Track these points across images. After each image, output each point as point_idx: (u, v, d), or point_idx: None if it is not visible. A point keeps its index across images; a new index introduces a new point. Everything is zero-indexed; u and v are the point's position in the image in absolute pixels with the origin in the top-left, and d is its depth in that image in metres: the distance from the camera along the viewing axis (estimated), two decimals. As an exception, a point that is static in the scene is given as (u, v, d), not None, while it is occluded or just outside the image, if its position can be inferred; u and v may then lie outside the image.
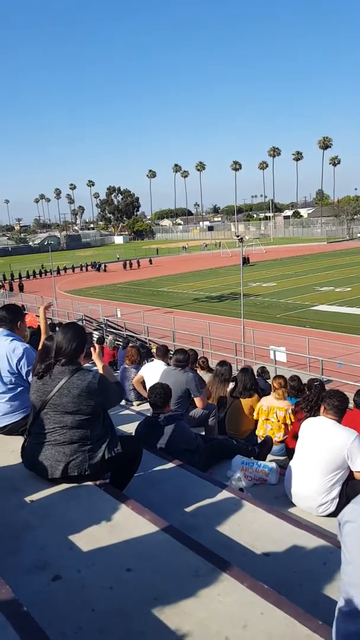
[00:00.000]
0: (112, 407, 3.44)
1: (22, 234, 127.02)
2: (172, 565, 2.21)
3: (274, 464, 4.37)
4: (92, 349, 3.25)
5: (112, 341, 13.92)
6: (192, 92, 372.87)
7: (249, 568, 2.23)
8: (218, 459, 4.59)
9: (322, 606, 2.15)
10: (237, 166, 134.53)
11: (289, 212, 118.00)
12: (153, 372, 6.48)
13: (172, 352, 6.83)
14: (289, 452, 4.90)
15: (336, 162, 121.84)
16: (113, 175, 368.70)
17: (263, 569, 2.42)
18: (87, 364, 3.73)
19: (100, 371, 3.10)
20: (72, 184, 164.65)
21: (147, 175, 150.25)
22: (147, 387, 6.09)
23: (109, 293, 39.08)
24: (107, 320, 23.46)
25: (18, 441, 3.23)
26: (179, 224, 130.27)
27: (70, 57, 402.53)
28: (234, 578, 2.09)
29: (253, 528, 2.83)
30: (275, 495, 4.00)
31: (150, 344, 17.00)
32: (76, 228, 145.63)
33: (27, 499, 2.79)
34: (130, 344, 11.30)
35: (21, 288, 43.29)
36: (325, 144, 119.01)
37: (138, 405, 7.28)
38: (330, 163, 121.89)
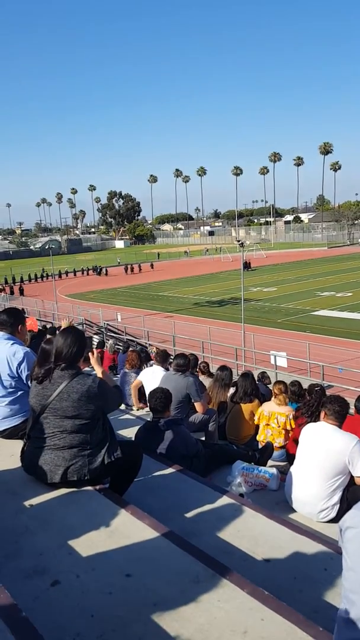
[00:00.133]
0: (112, 411, 3.43)
1: (23, 238, 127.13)
2: (171, 570, 2.20)
3: (274, 470, 4.36)
4: (90, 354, 3.25)
5: (113, 345, 13.92)
6: (194, 98, 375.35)
7: (249, 574, 2.22)
8: (218, 464, 4.57)
9: (323, 612, 2.14)
10: (238, 171, 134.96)
11: (289, 217, 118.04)
12: (152, 377, 6.47)
13: (172, 357, 6.81)
14: (290, 458, 4.88)
15: (337, 167, 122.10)
16: (114, 180, 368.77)
17: (263, 574, 2.41)
18: (86, 369, 3.73)
19: (99, 376, 3.10)
20: (73, 189, 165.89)
21: (148, 180, 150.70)
22: (146, 393, 6.10)
23: (109, 297, 39.12)
24: (107, 324, 23.46)
25: (17, 445, 3.23)
26: (180, 229, 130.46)
27: (71, 62, 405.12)
28: (234, 584, 2.08)
29: (253, 534, 2.81)
30: (275, 501, 3.98)
31: (149, 347, 16.98)
32: (77, 232, 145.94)
33: (27, 503, 2.78)
34: (131, 349, 11.29)
35: (21, 292, 43.33)
36: (326, 150, 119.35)
37: (138, 409, 7.27)
38: (331, 168, 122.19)
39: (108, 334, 20.92)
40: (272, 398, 5.81)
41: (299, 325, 24.09)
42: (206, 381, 7.34)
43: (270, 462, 5.09)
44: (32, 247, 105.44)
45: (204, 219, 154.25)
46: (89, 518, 2.62)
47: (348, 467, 3.57)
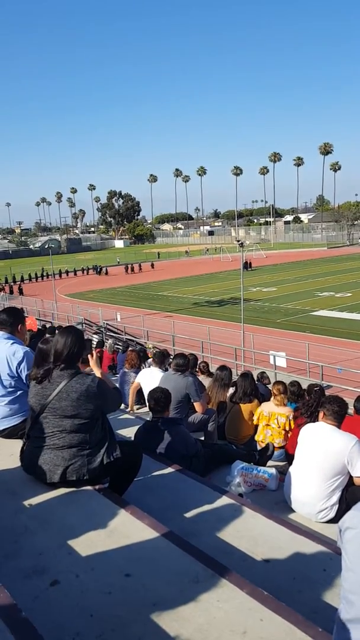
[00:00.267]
0: (111, 412, 3.43)
1: (22, 237, 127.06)
2: (171, 570, 2.20)
3: (273, 470, 4.36)
4: (89, 356, 3.25)
5: (112, 345, 13.92)
6: (194, 98, 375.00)
7: (248, 574, 2.22)
8: (217, 464, 4.58)
9: (322, 613, 2.15)
10: (238, 171, 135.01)
11: (289, 218, 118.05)
12: (150, 379, 6.47)
13: (171, 357, 6.81)
14: (289, 458, 4.88)
15: (337, 167, 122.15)
16: (114, 180, 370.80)
17: (262, 575, 2.41)
18: (85, 369, 3.72)
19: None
20: (73, 188, 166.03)
21: (148, 180, 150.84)
22: (144, 395, 6.08)
23: (109, 297, 39.10)
24: (106, 323, 23.46)
25: (17, 445, 3.23)
26: (180, 229, 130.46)
27: (71, 62, 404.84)
28: (233, 584, 2.08)
29: (253, 534, 2.81)
30: (275, 501, 3.99)
31: (145, 343, 16.95)
32: (77, 232, 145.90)
33: (26, 503, 2.78)
34: (130, 348, 11.29)
35: (21, 291, 43.28)
36: (326, 150, 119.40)
37: (137, 409, 7.27)
38: (330, 169, 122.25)
39: (107, 333, 20.92)
40: (272, 398, 5.81)
41: (298, 326, 24.10)
42: (205, 381, 7.34)
43: (269, 462, 5.09)
44: (31, 246, 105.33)
45: (204, 218, 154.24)
46: (88, 518, 2.62)
47: (347, 468, 3.57)
